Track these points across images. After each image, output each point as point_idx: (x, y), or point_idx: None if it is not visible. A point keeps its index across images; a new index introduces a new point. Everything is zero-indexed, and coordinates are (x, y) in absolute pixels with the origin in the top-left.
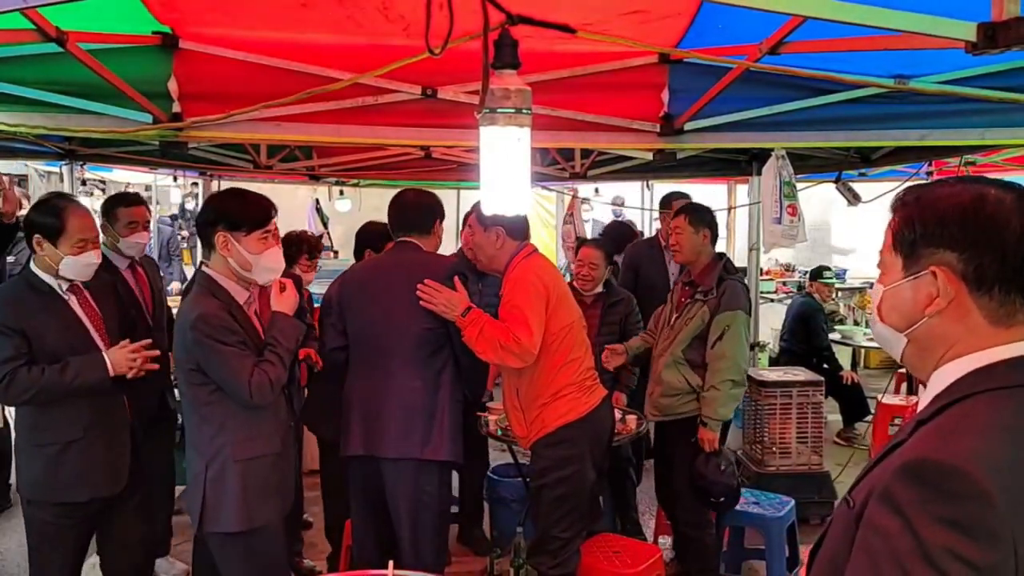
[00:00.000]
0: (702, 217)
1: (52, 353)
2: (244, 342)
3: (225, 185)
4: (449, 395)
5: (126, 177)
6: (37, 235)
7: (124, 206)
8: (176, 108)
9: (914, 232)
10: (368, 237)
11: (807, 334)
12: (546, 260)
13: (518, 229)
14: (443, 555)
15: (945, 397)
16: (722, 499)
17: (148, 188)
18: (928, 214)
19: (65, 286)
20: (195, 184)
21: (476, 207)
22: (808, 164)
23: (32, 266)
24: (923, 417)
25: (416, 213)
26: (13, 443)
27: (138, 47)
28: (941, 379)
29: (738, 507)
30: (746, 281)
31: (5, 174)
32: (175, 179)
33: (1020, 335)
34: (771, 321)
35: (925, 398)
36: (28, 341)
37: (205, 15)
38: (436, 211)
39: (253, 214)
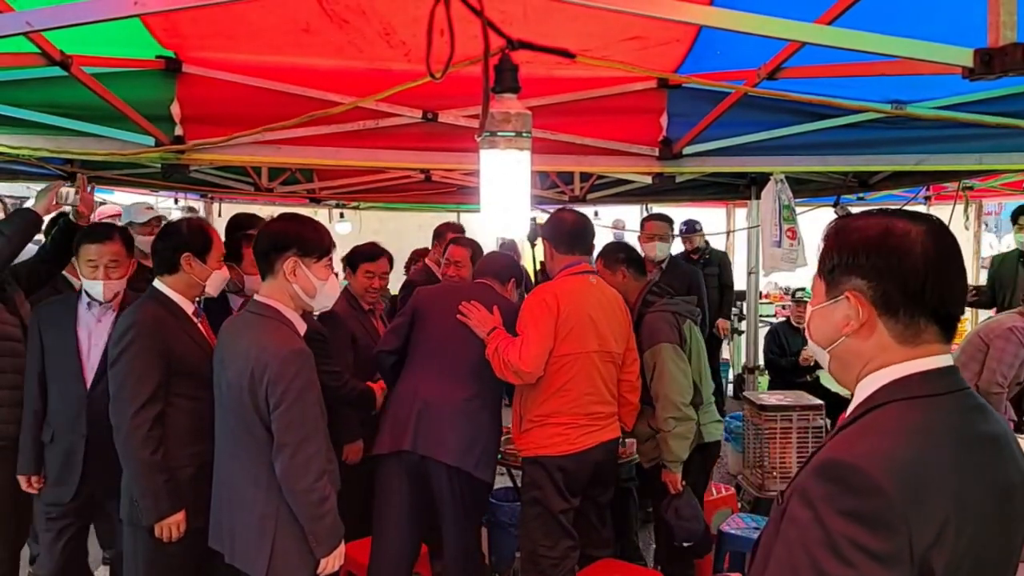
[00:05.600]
0: (615, 256)
1: (189, 375)
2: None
3: (227, 208)
4: (499, 424)
5: (127, 199)
6: (187, 254)
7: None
8: (178, 131)
9: (833, 261)
10: (350, 256)
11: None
12: (583, 283)
13: (563, 241)
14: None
15: (865, 405)
16: (685, 544)
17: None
18: (844, 245)
19: (191, 309)
20: (192, 209)
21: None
22: (807, 188)
23: (162, 288)
24: (844, 423)
25: (498, 265)
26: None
27: (142, 71)
28: (865, 389)
29: (739, 532)
30: (745, 304)
31: (83, 172)
32: (176, 201)
33: (927, 351)
34: None
35: (851, 406)
36: (169, 364)
37: (208, 40)
38: (513, 272)
39: (324, 241)
